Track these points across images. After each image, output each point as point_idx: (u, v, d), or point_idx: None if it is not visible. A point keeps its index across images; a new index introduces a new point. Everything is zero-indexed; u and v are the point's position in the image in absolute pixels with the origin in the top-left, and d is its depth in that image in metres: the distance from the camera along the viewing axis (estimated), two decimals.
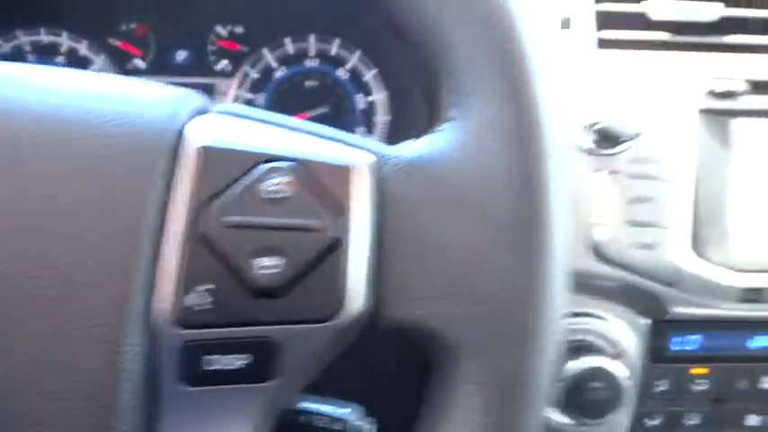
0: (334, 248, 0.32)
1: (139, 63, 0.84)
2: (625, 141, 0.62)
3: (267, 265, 0.31)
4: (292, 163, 0.33)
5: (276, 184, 0.32)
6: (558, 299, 0.35)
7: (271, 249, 0.31)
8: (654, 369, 0.76)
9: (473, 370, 0.33)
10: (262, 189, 0.32)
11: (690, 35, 0.67)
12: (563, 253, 0.34)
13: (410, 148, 0.36)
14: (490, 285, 0.33)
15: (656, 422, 0.78)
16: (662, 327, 0.72)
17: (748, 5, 0.68)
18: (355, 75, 0.85)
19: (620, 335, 0.70)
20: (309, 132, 0.36)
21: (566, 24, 0.67)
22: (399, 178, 0.34)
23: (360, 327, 0.32)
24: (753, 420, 0.80)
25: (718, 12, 0.67)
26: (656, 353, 0.74)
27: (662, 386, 0.78)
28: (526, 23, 0.36)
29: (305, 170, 0.33)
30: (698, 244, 0.64)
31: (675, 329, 0.74)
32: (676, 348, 0.75)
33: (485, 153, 0.34)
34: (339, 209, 0.32)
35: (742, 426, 0.80)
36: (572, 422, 0.68)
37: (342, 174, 0.33)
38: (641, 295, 0.68)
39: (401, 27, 0.37)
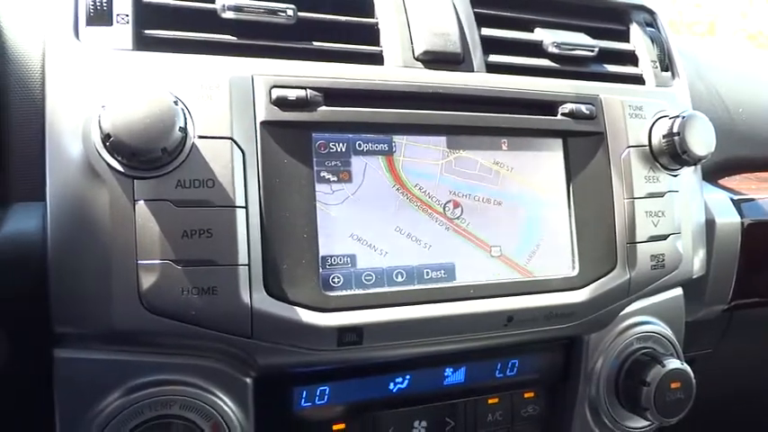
0: None
1: None
2: (157, 159, 0.49)
3: None
4: None
5: None
6: None
7: None
8: None
9: None
10: None
11: (260, 39, 0.58)
12: None
13: None
14: None
15: None
16: (275, 383, 0.60)
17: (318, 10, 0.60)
18: None
19: (217, 401, 0.56)
20: None
21: (101, 18, 0.54)
22: None
23: None
24: None
25: (292, 14, 0.58)
26: (278, 414, 0.62)
27: None
28: None
29: None
30: (272, 283, 0.53)
31: (297, 383, 0.62)
32: (307, 404, 0.64)
33: None
34: None
35: None
36: None
37: None
38: (226, 349, 0.55)
39: None
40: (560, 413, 0.75)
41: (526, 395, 0.75)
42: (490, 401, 0.73)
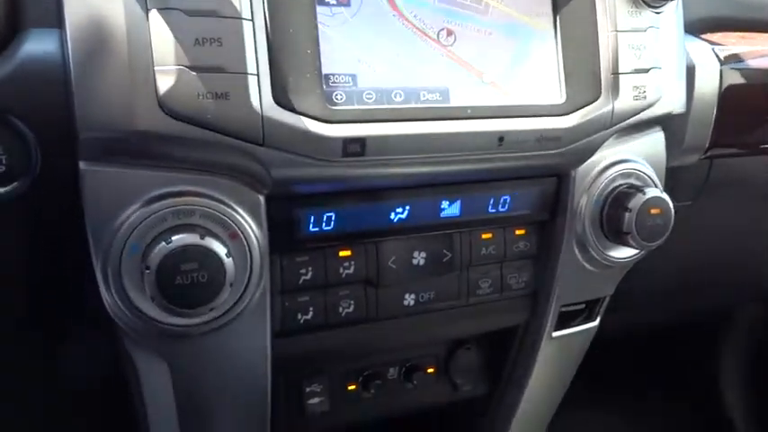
0: None
1: None
2: None
3: None
4: None
5: None
6: None
7: None
8: (293, 257, 0.69)
9: None
10: None
11: None
12: None
13: None
14: None
15: (308, 316, 0.72)
16: (285, 205, 0.65)
17: None
18: None
19: (234, 213, 0.61)
20: None
21: None
22: None
23: None
24: (410, 300, 0.77)
25: None
26: (289, 238, 0.67)
27: (308, 275, 0.71)
28: None
29: None
30: (280, 93, 0.57)
31: (305, 207, 0.67)
32: (315, 229, 0.69)
33: None
34: None
35: (401, 307, 0.77)
36: (171, 316, 0.58)
37: None
38: (240, 165, 0.60)
39: None
40: (549, 248, 0.81)
41: (517, 232, 0.80)
42: (484, 236, 0.79)
